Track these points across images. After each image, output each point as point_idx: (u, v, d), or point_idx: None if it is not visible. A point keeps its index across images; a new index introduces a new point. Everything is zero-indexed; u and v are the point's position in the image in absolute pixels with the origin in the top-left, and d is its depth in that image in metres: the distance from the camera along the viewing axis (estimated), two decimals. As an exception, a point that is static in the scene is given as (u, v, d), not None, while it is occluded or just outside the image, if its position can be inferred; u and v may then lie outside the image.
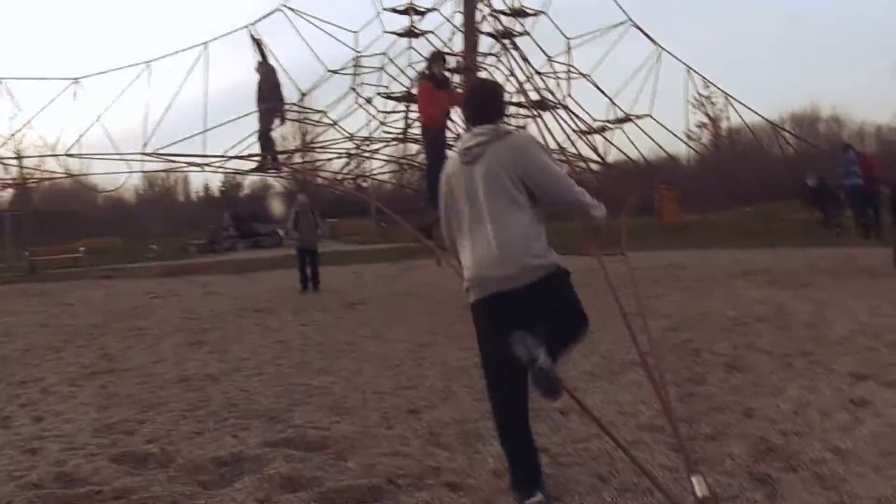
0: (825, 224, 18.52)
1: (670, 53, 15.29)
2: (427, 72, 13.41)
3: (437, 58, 13.52)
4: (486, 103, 4.61)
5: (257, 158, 15.30)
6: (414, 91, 14.94)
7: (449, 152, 4.57)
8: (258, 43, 14.62)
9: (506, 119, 4.75)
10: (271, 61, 14.86)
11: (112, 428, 6.55)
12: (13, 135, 16.28)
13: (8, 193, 48.29)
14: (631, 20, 15.29)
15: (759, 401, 6.36)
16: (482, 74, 15.01)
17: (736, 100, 15.92)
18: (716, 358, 8.15)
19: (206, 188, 76.92)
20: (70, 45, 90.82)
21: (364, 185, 18.87)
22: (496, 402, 4.58)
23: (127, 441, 6.12)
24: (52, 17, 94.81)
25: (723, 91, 16.18)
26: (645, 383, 7.05)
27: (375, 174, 18.11)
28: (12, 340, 12.55)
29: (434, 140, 13.12)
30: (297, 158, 20.91)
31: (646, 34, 15.35)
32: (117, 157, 14.54)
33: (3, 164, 19.84)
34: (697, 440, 5.45)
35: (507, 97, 14.98)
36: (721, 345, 8.79)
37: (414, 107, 15.28)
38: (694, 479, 4.14)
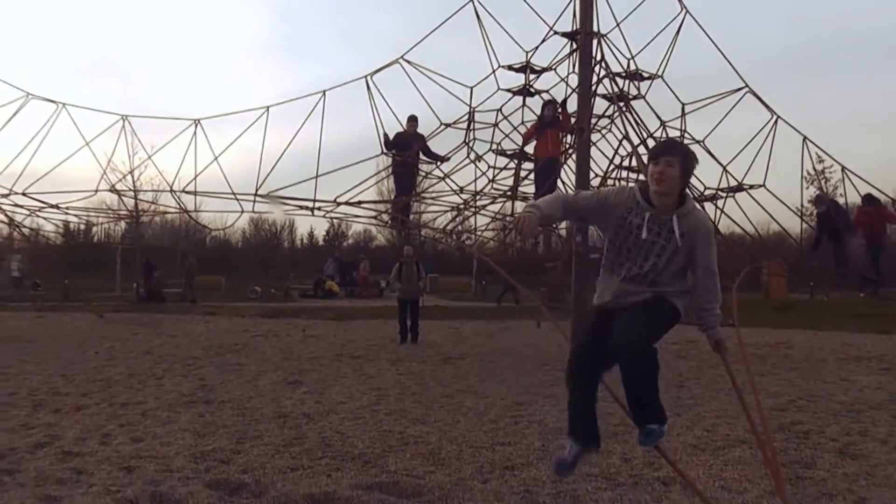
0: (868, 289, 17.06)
1: (787, 122, 14.89)
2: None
3: (547, 102, 14.89)
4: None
5: (368, 206, 15.49)
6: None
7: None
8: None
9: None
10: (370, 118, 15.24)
11: (208, 455, 6.60)
12: (132, 170, 16.84)
13: (122, 226, 50.14)
14: (748, 86, 14.99)
15: (873, 491, 5.98)
16: (595, 137, 14.95)
17: (853, 173, 15.25)
18: (826, 442, 7.73)
19: (311, 235, 78.27)
20: (192, 88, 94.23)
21: (468, 241, 18.85)
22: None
23: (222, 469, 6.15)
24: (174, 62, 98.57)
25: (838, 162, 15.44)
26: (751, 461, 6.77)
27: (481, 231, 18.05)
28: (116, 364, 12.92)
29: (545, 171, 14.08)
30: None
31: (762, 101, 15.01)
32: (230, 196, 14.84)
33: (121, 197, 20.50)
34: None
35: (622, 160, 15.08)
36: (832, 429, 8.34)
37: (526, 164, 15.35)
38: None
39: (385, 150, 15.28)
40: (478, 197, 15.61)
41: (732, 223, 16.92)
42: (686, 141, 15.46)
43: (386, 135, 15.07)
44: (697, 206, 4.76)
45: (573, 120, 14.56)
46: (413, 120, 15.41)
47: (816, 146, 15.26)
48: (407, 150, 15.21)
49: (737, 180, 15.21)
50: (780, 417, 8.97)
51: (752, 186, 15.15)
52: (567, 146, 14.99)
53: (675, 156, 4.60)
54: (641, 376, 4.62)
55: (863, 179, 15.23)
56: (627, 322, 4.58)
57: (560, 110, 14.67)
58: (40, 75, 78.99)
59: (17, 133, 15.65)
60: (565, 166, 14.94)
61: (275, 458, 6.56)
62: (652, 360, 4.57)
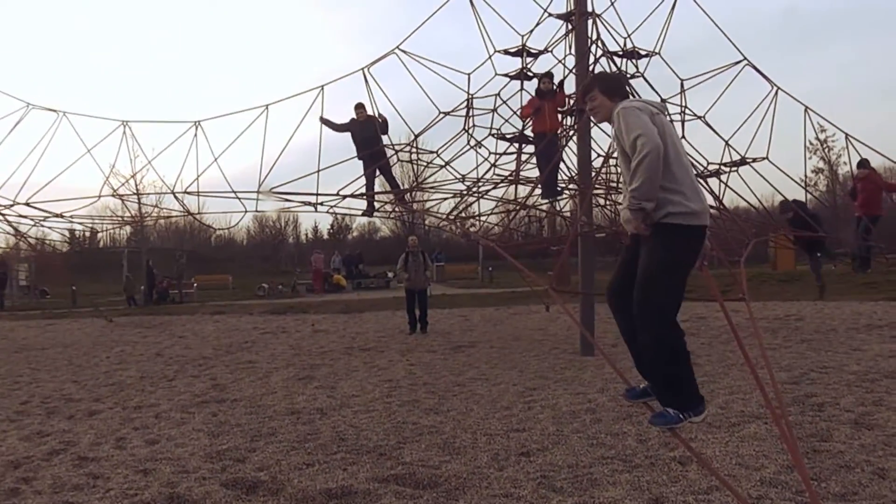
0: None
1: (787, 93, 14.80)
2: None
3: (543, 75, 14.62)
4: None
5: (368, 199, 15.46)
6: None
7: (635, 102, 4.63)
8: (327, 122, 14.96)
9: None
10: (370, 109, 15.11)
11: (223, 454, 6.60)
12: (134, 175, 16.78)
13: (127, 231, 50.25)
14: (746, 59, 14.89)
15: (891, 461, 5.93)
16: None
17: (856, 139, 15.12)
18: (842, 414, 7.69)
19: (316, 230, 78.35)
20: (191, 89, 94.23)
21: (472, 228, 18.83)
22: (673, 321, 4.74)
23: (237, 468, 6.14)
24: (174, 64, 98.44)
25: (841, 130, 15.29)
26: (766, 436, 6.74)
27: (485, 216, 18.00)
28: (127, 368, 12.93)
29: (545, 146, 13.84)
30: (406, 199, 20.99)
31: (761, 73, 14.90)
32: (233, 195, 14.82)
33: (124, 202, 20.49)
34: (827, 499, 5.12)
35: None
36: (846, 400, 8.30)
37: (527, 147, 15.29)
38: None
39: (337, 131, 15.14)
40: (480, 183, 15.55)
41: (737, 197, 16.89)
42: (687, 117, 15.42)
43: (328, 120, 14.97)
44: (622, 103, 4.83)
45: (570, 101, 14.50)
46: (360, 107, 15.32)
47: (818, 115, 15.17)
48: (362, 138, 15.11)
49: (740, 154, 15.14)
50: (794, 391, 8.94)
51: (755, 160, 15.08)
52: (566, 126, 14.93)
53: (590, 90, 5.12)
54: (645, 347, 4.63)
55: (866, 146, 15.13)
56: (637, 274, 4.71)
57: (557, 89, 14.61)
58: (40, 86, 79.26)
59: (19, 144, 15.65)
60: (567, 148, 14.87)
61: (290, 455, 6.55)
62: (656, 332, 4.55)
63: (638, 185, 4.56)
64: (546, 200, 15.67)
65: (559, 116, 14.76)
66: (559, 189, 15.03)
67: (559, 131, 14.63)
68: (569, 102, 14.65)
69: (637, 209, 4.63)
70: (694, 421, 4.68)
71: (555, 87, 14.51)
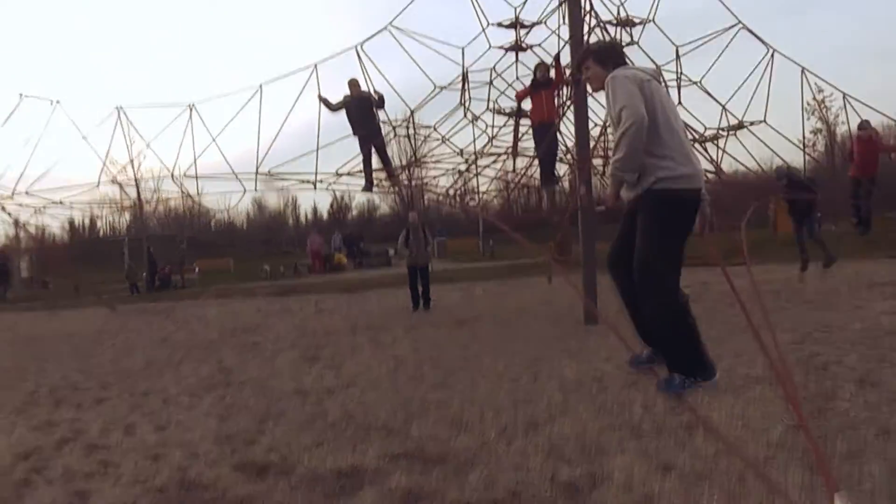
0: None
1: (783, 55, 14.71)
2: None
3: (539, 65, 14.76)
4: None
5: (366, 175, 15.46)
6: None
7: (625, 71, 4.71)
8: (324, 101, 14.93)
9: None
10: (366, 88, 15.10)
11: (232, 437, 6.63)
12: (131, 160, 16.78)
13: (126, 217, 50.27)
14: (741, 22, 14.81)
15: (896, 418, 5.98)
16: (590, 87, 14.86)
17: (855, 98, 15.04)
18: (846, 372, 7.69)
19: (315, 211, 78.33)
20: (185, 71, 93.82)
21: (472, 202, 18.84)
22: (675, 286, 4.93)
23: (247, 450, 6.17)
24: (166, 46, 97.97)
25: (839, 90, 15.21)
26: (772, 399, 6.76)
27: (484, 190, 18.01)
28: (134, 355, 12.97)
29: (542, 136, 14.03)
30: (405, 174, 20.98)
31: (756, 36, 14.83)
32: (231, 177, 14.83)
33: (122, 188, 20.50)
34: (833, 459, 5.14)
35: None
36: (850, 358, 8.31)
37: (524, 121, 15.28)
38: (837, 497, 3.88)
39: (332, 111, 15.17)
40: (478, 156, 15.55)
41: (735, 162, 16.87)
42: (683, 83, 15.39)
43: (325, 99, 14.96)
44: (613, 73, 4.86)
45: (567, 72, 14.47)
46: (354, 83, 15.30)
47: (816, 76, 15.11)
48: (358, 114, 15.11)
49: (737, 118, 15.11)
50: (798, 351, 8.96)
51: (752, 123, 15.05)
52: (563, 103, 14.90)
53: (585, 60, 5.31)
54: (650, 316, 4.65)
55: (865, 105, 15.07)
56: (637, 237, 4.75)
57: (554, 65, 14.57)
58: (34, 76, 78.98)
59: (14, 135, 15.66)
60: (564, 119, 14.84)
61: (299, 435, 6.57)
62: (658, 299, 4.57)
63: (620, 157, 4.64)
64: (545, 188, 15.67)
65: (555, 100, 14.73)
66: (557, 177, 15.06)
67: (556, 120, 14.62)
68: (564, 74, 14.61)
69: (617, 177, 4.71)
70: (704, 385, 4.71)
71: (551, 72, 14.47)
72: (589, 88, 5.28)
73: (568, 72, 14.39)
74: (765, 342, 5.80)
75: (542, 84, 14.23)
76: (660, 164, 4.65)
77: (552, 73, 14.45)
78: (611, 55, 5.12)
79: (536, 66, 14.67)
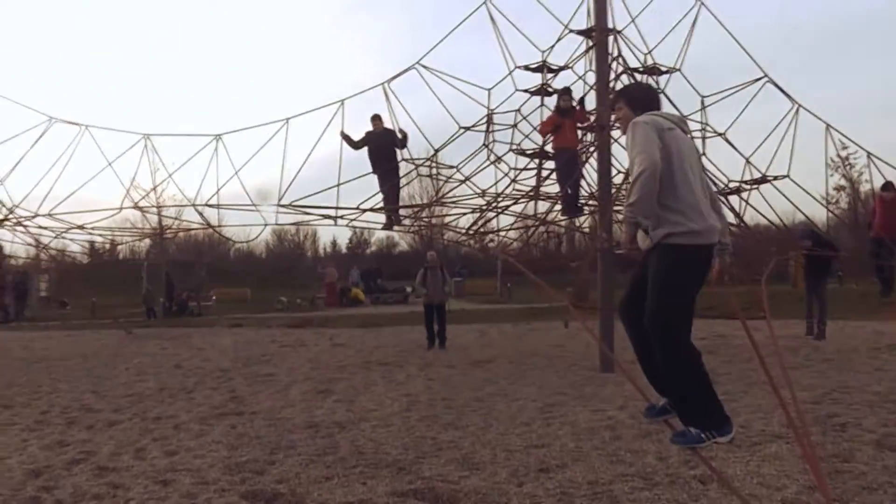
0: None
1: (808, 110, 14.70)
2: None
3: (563, 92, 14.75)
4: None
5: (386, 212, 15.50)
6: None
7: (647, 117, 4.73)
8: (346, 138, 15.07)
9: None
10: (389, 124, 15.23)
11: (242, 466, 6.62)
12: (154, 188, 16.85)
13: (146, 244, 50.54)
14: (767, 76, 14.85)
15: (915, 483, 5.89)
16: (616, 133, 14.88)
17: (879, 158, 14.97)
18: (864, 434, 7.61)
19: (335, 244, 78.48)
20: (212, 103, 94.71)
21: (491, 243, 18.83)
22: (686, 339, 4.77)
23: (257, 480, 6.16)
24: (195, 78, 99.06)
25: (863, 148, 15.16)
26: (788, 456, 6.69)
27: (504, 231, 17.99)
28: (147, 379, 12.99)
29: (566, 162, 14.08)
30: (426, 213, 21.01)
31: (782, 90, 14.86)
32: (252, 208, 14.90)
33: (144, 214, 20.64)
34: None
35: None
36: (869, 421, 8.22)
37: (547, 164, 15.28)
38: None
39: (355, 148, 15.28)
40: (499, 198, 15.55)
41: (758, 214, 16.81)
42: (707, 134, 15.38)
43: (347, 136, 15.08)
44: (637, 119, 4.87)
45: (592, 118, 14.51)
46: (377, 118, 15.43)
47: (840, 133, 15.08)
48: (378, 150, 15.23)
49: (760, 172, 15.06)
50: (816, 410, 8.87)
51: (776, 178, 14.99)
52: (586, 142, 14.93)
53: (617, 101, 5.34)
54: (662, 366, 4.63)
55: (889, 165, 15.01)
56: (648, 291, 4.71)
57: (577, 106, 14.63)
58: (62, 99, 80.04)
59: (41, 157, 15.80)
60: (587, 164, 14.86)
61: (309, 468, 6.56)
62: (668, 350, 4.56)
63: (633, 202, 4.67)
64: (566, 217, 15.67)
65: (578, 133, 14.78)
66: (580, 205, 15.02)
67: (579, 147, 14.65)
68: (589, 119, 14.66)
69: (631, 222, 4.76)
70: (720, 441, 4.66)
71: (574, 103, 14.54)
72: (617, 132, 5.33)
73: (592, 117, 14.45)
74: (783, 399, 5.75)
75: (566, 111, 14.28)
76: (671, 217, 4.67)
77: (574, 101, 14.54)
78: (643, 101, 5.13)
79: (559, 95, 14.75)
